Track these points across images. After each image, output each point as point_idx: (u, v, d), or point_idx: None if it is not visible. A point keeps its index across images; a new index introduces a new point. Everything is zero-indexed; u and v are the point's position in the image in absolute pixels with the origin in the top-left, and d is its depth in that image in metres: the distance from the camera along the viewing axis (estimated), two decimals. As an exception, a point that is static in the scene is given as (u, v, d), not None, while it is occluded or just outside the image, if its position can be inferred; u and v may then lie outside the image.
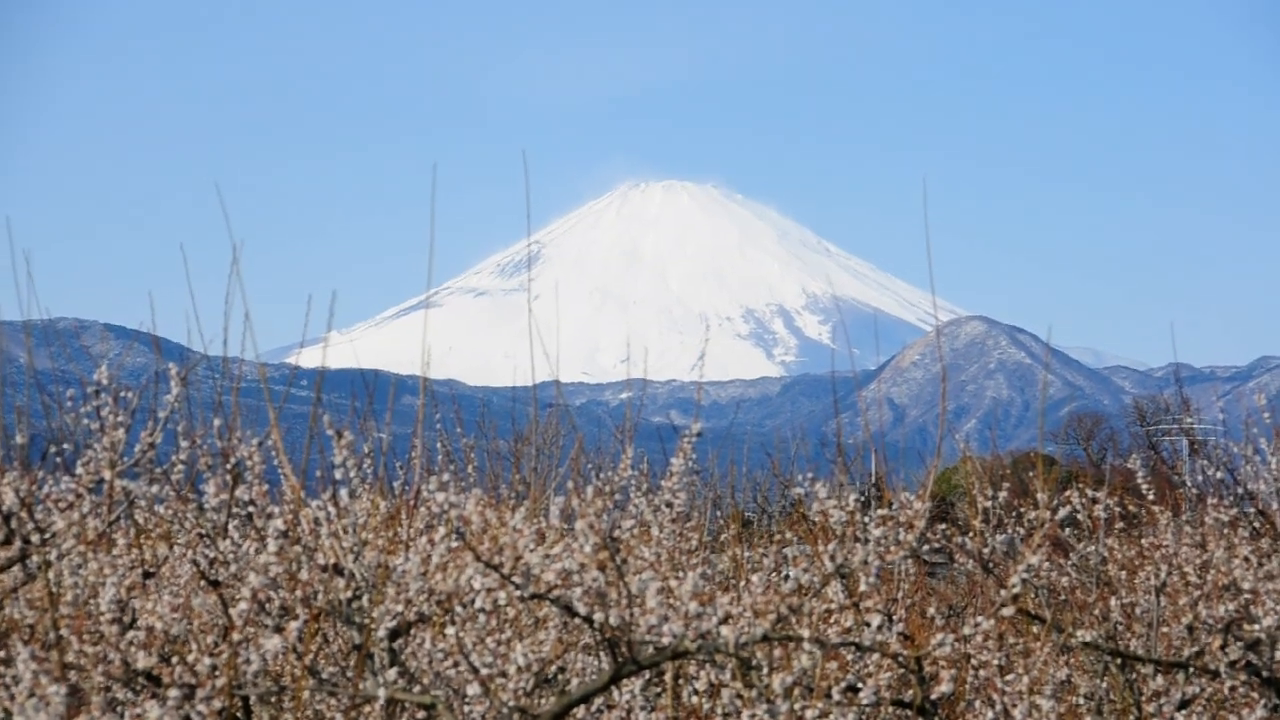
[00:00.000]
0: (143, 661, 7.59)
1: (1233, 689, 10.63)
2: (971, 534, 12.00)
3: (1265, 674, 10.34)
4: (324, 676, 8.13)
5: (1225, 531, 11.41)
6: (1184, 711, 10.48)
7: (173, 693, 7.20)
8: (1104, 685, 10.91)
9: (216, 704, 7.29)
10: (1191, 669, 10.46)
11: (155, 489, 8.73)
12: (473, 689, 8.06)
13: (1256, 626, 10.36)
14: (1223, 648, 10.33)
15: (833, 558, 8.74)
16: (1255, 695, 10.53)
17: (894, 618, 8.82)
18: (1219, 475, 12.97)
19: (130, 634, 7.69)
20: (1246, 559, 10.93)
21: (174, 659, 7.62)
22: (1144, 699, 10.71)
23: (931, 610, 10.75)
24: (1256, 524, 12.11)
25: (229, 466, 8.45)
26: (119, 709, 7.22)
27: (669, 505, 9.55)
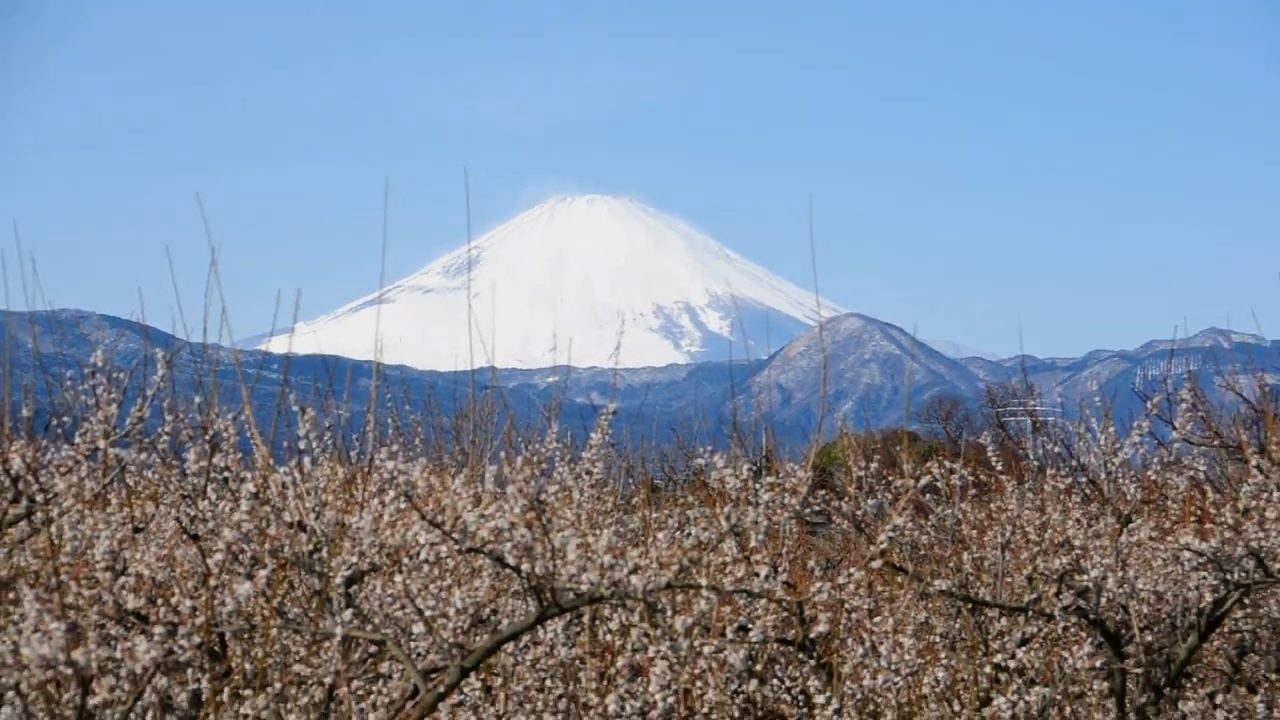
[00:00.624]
0: (132, 603, 7.64)
1: (1065, 629, 10.73)
2: (847, 499, 12.14)
3: (1092, 617, 10.58)
4: (289, 617, 8.11)
5: (1061, 497, 11.64)
6: (1023, 648, 10.63)
7: (158, 629, 7.24)
8: (957, 626, 10.99)
9: (196, 639, 7.33)
10: (1030, 612, 10.63)
11: (143, 456, 8.82)
12: (418, 628, 8.19)
13: (1085, 577, 10.57)
14: (1057, 595, 10.54)
15: (728, 518, 8.88)
16: (1083, 635, 10.75)
17: (779, 569, 8.98)
18: (1056, 450, 13.18)
19: (121, 579, 7.75)
20: (1078, 520, 11.15)
21: (159, 601, 7.68)
22: (990, 638, 10.83)
23: (811, 563, 10.87)
24: (1087, 491, 12.39)
25: (207, 438, 8.53)
26: (112, 643, 7.13)
27: (588, 473, 9.65)
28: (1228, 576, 10.48)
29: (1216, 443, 14.24)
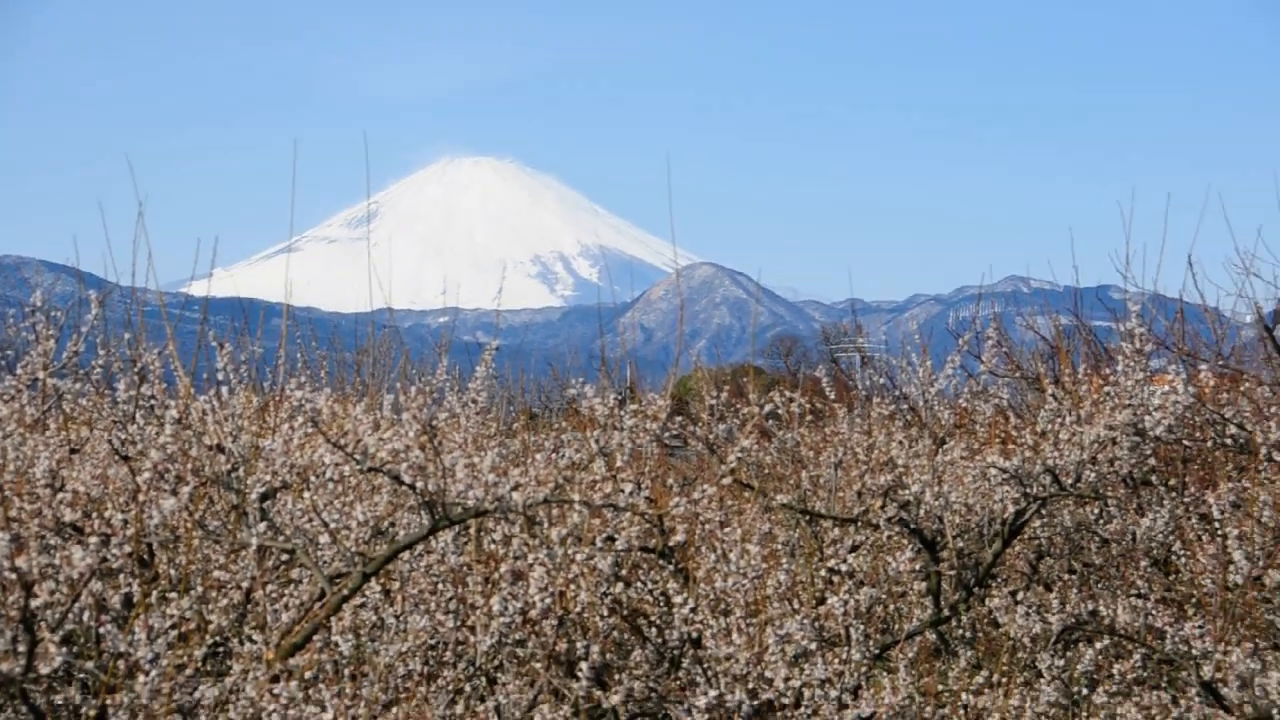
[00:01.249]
0: (69, 516, 7.66)
1: (889, 537, 10.91)
2: (700, 424, 12.18)
3: (912, 526, 10.74)
4: (210, 529, 8.17)
5: (885, 423, 11.78)
6: (853, 554, 10.67)
7: (93, 540, 7.27)
8: (796, 535, 11.06)
9: (126, 549, 7.40)
10: (859, 523, 10.72)
11: (78, 386, 8.81)
12: (324, 539, 8.28)
13: (906, 492, 10.68)
14: (882, 507, 10.65)
15: (597, 441, 9.04)
16: (905, 542, 10.94)
17: (642, 486, 9.05)
18: (881, 381, 13.30)
19: (60, 496, 7.74)
20: (900, 443, 11.22)
21: (94, 515, 7.72)
22: (824, 545, 10.89)
23: (670, 481, 10.84)
24: (908, 417, 12.53)
25: (136, 370, 8.51)
26: (51, 552, 7.17)
27: (474, 402, 9.73)
28: (1027, 490, 10.64)
29: (1018, 374, 14.47)
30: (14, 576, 6.60)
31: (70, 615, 7.02)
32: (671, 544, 9.21)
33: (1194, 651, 10.14)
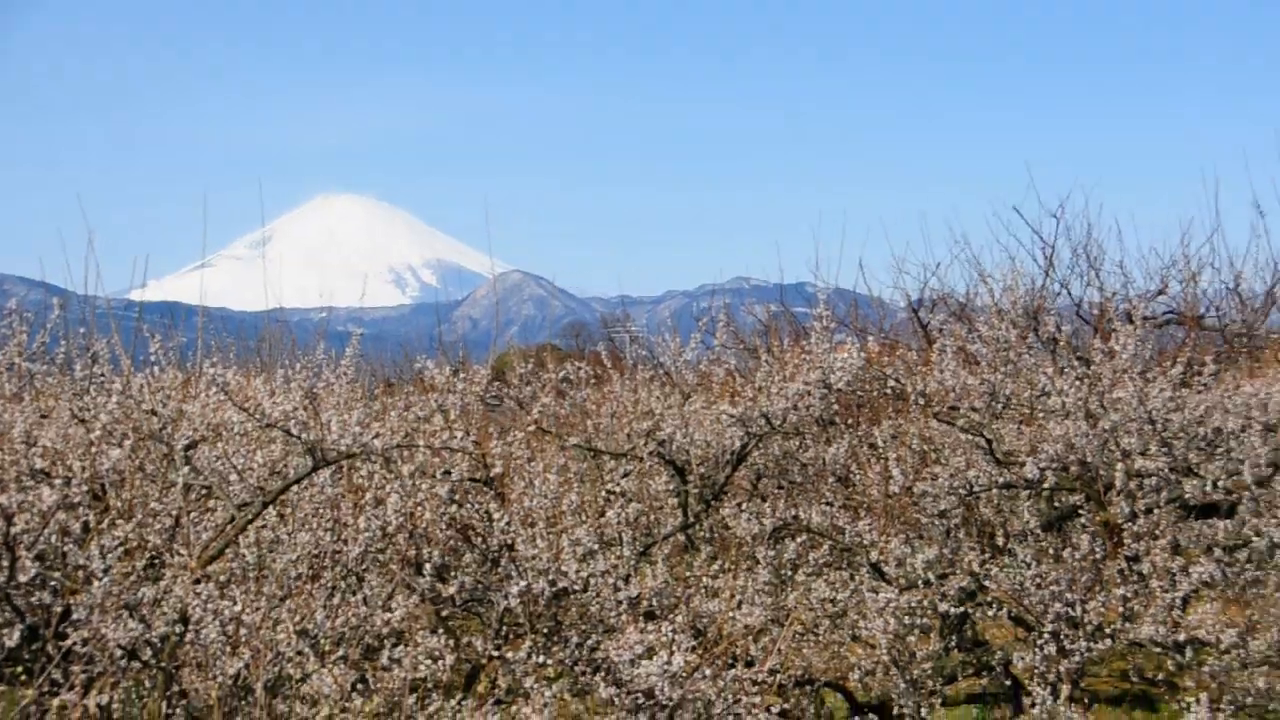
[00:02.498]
0: (40, 464, 7.74)
1: (650, 466, 11.02)
2: (512, 387, 12.38)
3: (667, 458, 10.83)
4: (147, 471, 8.23)
5: (647, 384, 11.97)
6: (625, 479, 10.90)
7: (57, 482, 7.46)
8: (583, 467, 11.24)
9: (84, 488, 7.59)
10: (629, 456, 10.90)
11: (45, 369, 8.89)
12: (233, 477, 8.45)
13: (662, 433, 10.77)
14: (645, 444, 10.76)
15: (436, 401, 9.44)
16: (662, 469, 11.06)
17: (470, 433, 9.48)
18: (644, 354, 13.51)
19: (33, 449, 7.83)
20: (658, 397, 11.41)
21: (58, 463, 7.83)
22: (604, 473, 11.08)
23: (490, 429, 10.75)
24: (663, 379, 12.70)
25: (89, 355, 8.59)
26: (26, 491, 7.38)
27: (344, 374, 9.68)
28: (748, 430, 10.84)
29: (742, 347, 14.53)
30: None
31: (41, 538, 7.22)
32: (492, 475, 9.45)
33: (865, 542, 10.60)
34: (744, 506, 11.14)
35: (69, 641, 6.93)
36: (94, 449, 7.80)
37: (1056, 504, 11.72)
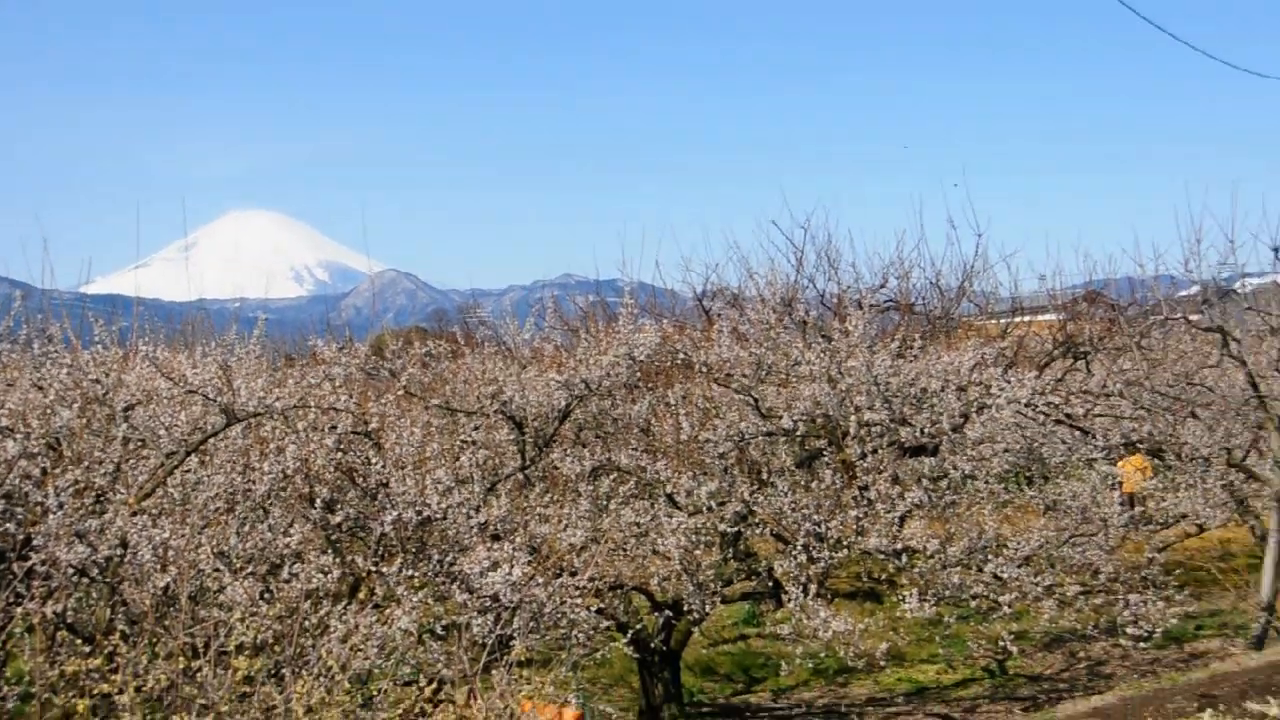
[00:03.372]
0: (5, 423, 7.71)
1: (495, 421, 11.09)
2: (387, 360, 12.41)
3: (508, 414, 10.90)
4: (93, 429, 8.20)
5: (492, 357, 11.96)
6: (475, 431, 10.86)
7: (19, 436, 7.60)
8: (443, 422, 11.12)
9: (42, 441, 7.70)
10: (479, 413, 10.94)
11: (9, 347, 8.69)
12: (163, 432, 8.52)
13: (504, 394, 10.89)
14: (490, 404, 10.86)
15: (325, 371, 9.60)
16: (504, 423, 11.15)
17: (353, 396, 9.54)
18: (491, 335, 13.71)
19: (1, 411, 7.75)
20: (501, 367, 11.41)
21: (20, 421, 7.79)
22: (459, 427, 10.99)
23: (370, 393, 10.76)
24: (506, 354, 12.80)
25: (46, 336, 8.46)
26: None
27: (252, 350, 9.80)
28: (572, 392, 11.10)
29: (567, 328, 14.86)
30: None
31: (7, 481, 7.32)
32: (370, 429, 9.50)
33: (661, 478, 10.76)
34: (568, 452, 11.24)
35: (30, 563, 6.97)
36: (49, 410, 7.78)
37: (806, 447, 12.16)
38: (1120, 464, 15.02)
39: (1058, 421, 13.65)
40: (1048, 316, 18.12)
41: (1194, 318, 14.79)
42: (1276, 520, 13.10)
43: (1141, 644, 11.79)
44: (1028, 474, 14.30)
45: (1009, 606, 10.69)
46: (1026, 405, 11.93)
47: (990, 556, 10.82)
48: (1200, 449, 14.22)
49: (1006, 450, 12.31)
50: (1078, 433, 14.13)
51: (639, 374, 11.84)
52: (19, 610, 6.71)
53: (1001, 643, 11.37)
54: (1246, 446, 14.70)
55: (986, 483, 12.02)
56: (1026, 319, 18.19)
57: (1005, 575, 10.71)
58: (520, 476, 10.92)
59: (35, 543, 7.05)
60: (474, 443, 10.58)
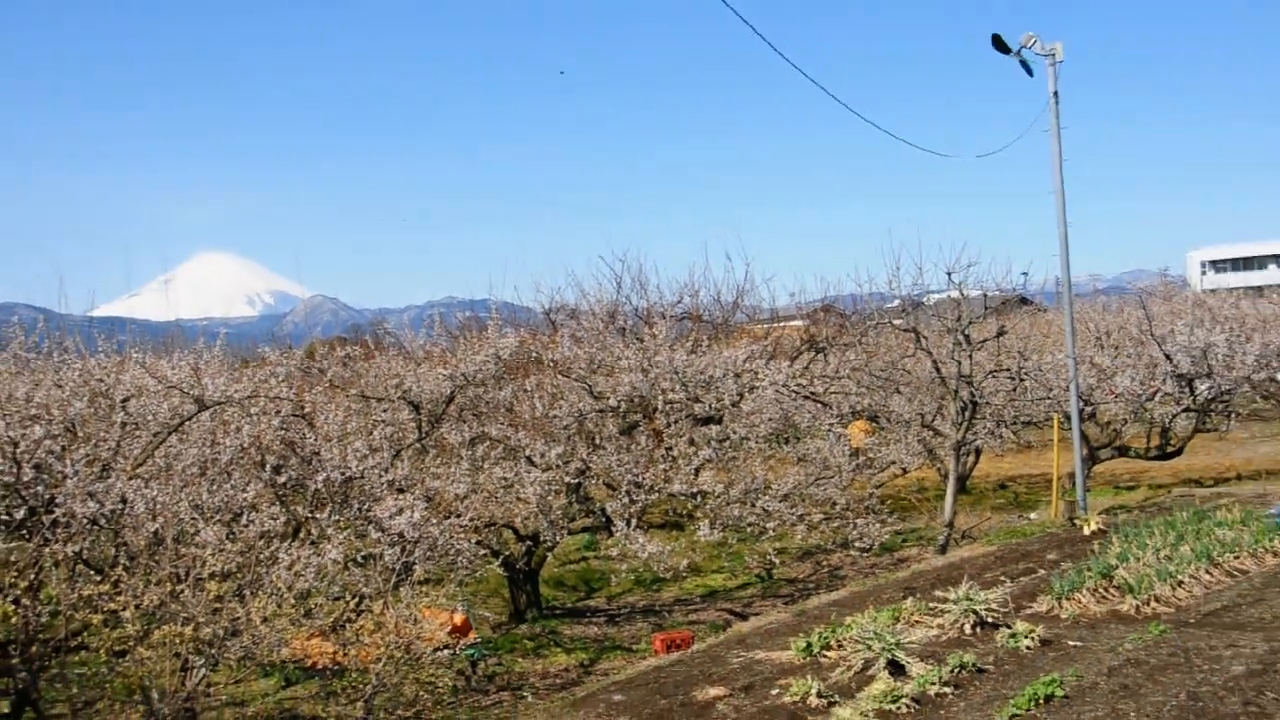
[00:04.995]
0: (34, 411, 7.80)
1: (398, 404, 10.75)
2: (318, 362, 12.54)
3: (410, 400, 10.65)
4: (99, 414, 8.25)
5: (397, 359, 11.93)
6: (384, 413, 10.63)
7: (44, 421, 7.76)
8: (360, 407, 10.95)
9: (61, 425, 7.82)
10: (388, 400, 10.68)
11: (35, 356, 8.68)
12: (150, 417, 8.62)
13: (407, 383, 10.62)
14: (395, 392, 10.67)
15: (271, 371, 9.66)
16: (405, 406, 10.82)
17: (292, 388, 9.59)
18: (396, 342, 13.76)
19: (29, 403, 7.81)
20: (405, 366, 11.26)
21: (44, 411, 7.91)
22: (372, 410, 10.76)
23: (305, 387, 10.32)
24: (405, 356, 12.54)
25: (63, 347, 8.63)
26: (26, 425, 7.41)
27: (216, 356, 9.99)
28: (455, 383, 11.21)
29: (451, 336, 14.45)
30: (9, 438, 7.27)
31: (35, 455, 7.50)
32: (306, 413, 9.64)
33: (522, 444, 10.91)
34: (453, 426, 11.40)
35: (54, 515, 7.16)
36: (66, 403, 7.96)
37: (627, 420, 12.40)
38: (848, 427, 15.65)
39: (805, 397, 14.08)
40: (796, 322, 18.91)
41: (896, 322, 15.27)
42: (954, 463, 13.62)
43: (865, 554, 12.62)
44: (785, 435, 14.50)
45: (773, 531, 11.10)
46: (783, 386, 12.46)
47: (760, 495, 11.11)
48: (903, 415, 14.98)
49: (770, 419, 12.72)
50: (819, 405, 14.67)
51: (504, 368, 11.86)
52: (47, 550, 6.82)
53: (768, 557, 12.05)
54: (933, 412, 15.26)
55: (756, 442, 12.41)
56: (781, 324, 18.90)
57: (770, 508, 11.05)
58: (418, 445, 10.91)
59: (57, 500, 7.18)
60: (383, 421, 10.63)
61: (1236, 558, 9.98)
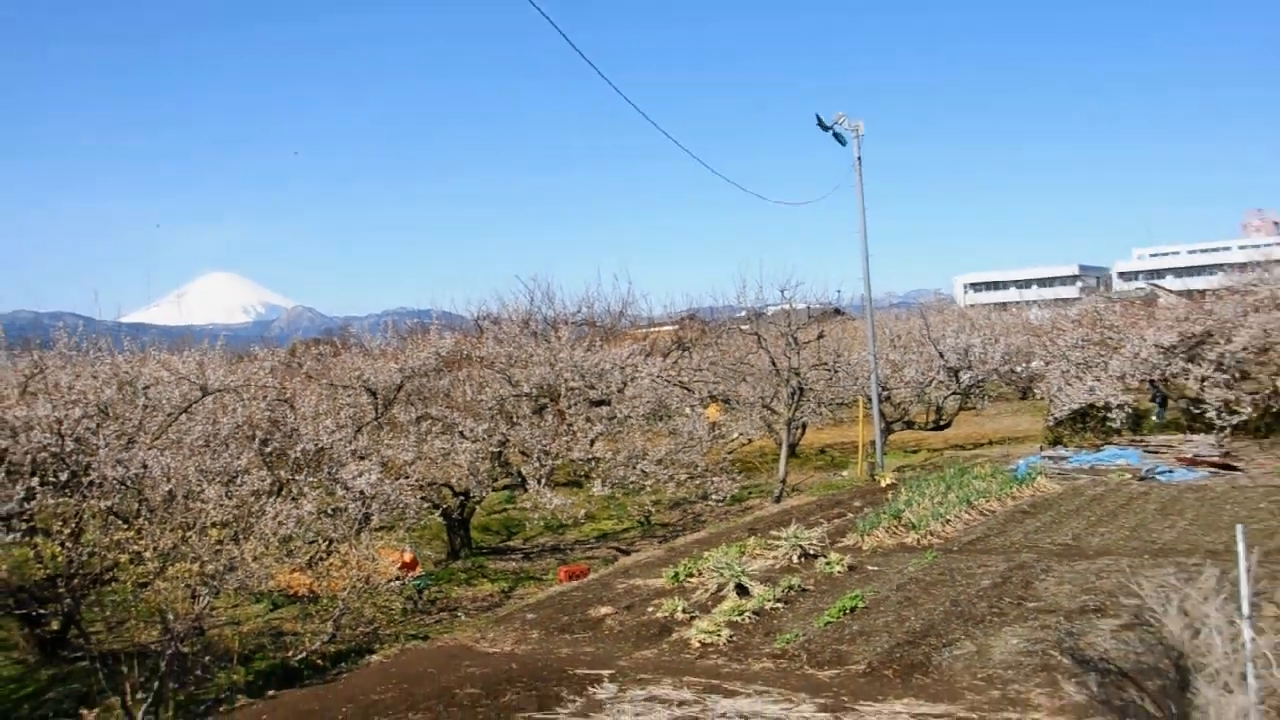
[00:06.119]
0: (73, 397, 7.82)
1: (360, 390, 10.81)
2: (298, 358, 12.32)
3: (368, 389, 10.72)
4: (126, 398, 8.34)
5: (359, 355, 11.68)
6: (348, 399, 10.68)
7: (83, 404, 7.73)
8: (330, 393, 10.65)
9: (95, 407, 7.91)
10: (351, 388, 10.70)
11: (76, 353, 8.65)
12: (165, 401, 8.72)
13: (364, 376, 10.75)
14: (358, 381, 10.75)
15: (260, 366, 9.75)
16: (366, 392, 10.88)
17: (277, 378, 9.71)
18: (357, 343, 13.29)
19: (70, 390, 7.83)
20: (364, 361, 11.28)
21: (83, 396, 7.91)
22: (340, 395, 10.81)
23: (287, 378, 10.25)
24: (366, 353, 12.39)
25: (98, 346, 8.66)
26: (65, 407, 7.47)
27: (217, 354, 9.88)
28: (404, 374, 11.24)
29: (402, 339, 13.91)
30: (55, 417, 7.37)
31: (77, 429, 7.62)
32: (288, 397, 9.80)
33: (457, 422, 11.06)
34: (403, 408, 11.60)
35: (91, 477, 7.32)
36: (100, 390, 8.17)
37: (538, 402, 12.55)
38: (707, 407, 16.28)
39: (674, 385, 14.85)
40: (668, 327, 19.58)
41: (744, 328, 16.16)
42: (786, 434, 14.52)
43: (720, 504, 13.15)
44: (659, 414, 14.94)
45: (650, 487, 11.59)
46: (657, 376, 13.19)
47: (640, 460, 11.45)
48: (748, 398, 15.69)
49: (647, 402, 13.23)
50: (685, 390, 15.40)
51: (442, 363, 12.11)
52: (85, 505, 6.92)
53: (646, 507, 12.53)
54: (771, 396, 15.92)
55: (637, 420, 12.77)
56: (656, 329, 19.52)
57: (648, 470, 11.38)
58: (375, 423, 11.15)
59: (93, 466, 7.37)
60: (348, 404, 10.88)
61: (987, 501, 10.86)
